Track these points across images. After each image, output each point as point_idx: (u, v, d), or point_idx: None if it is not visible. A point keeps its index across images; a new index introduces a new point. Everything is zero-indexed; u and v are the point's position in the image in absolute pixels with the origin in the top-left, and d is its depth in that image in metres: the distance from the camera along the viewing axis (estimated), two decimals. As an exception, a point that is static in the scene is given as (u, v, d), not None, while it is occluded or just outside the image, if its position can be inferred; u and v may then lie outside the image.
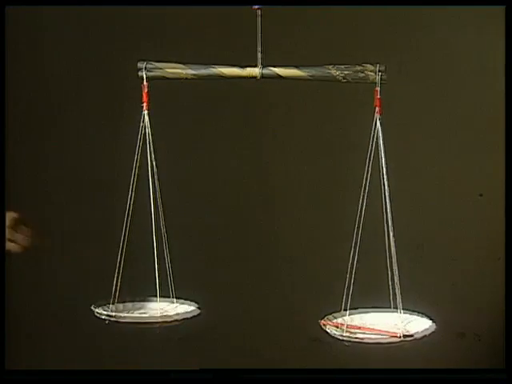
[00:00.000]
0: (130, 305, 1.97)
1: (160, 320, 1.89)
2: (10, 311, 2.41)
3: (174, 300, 1.96)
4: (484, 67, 2.46)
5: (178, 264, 1.94)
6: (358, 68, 1.79)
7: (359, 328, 1.85)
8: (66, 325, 2.46)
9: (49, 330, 2.49)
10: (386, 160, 1.77)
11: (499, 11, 2.36)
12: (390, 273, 1.80)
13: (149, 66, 1.83)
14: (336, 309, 1.85)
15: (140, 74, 1.83)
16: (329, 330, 1.81)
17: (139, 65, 1.83)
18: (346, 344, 1.75)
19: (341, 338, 1.78)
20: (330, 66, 1.80)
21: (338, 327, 1.83)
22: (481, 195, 2.47)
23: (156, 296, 1.95)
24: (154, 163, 1.85)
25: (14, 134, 2.44)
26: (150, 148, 1.86)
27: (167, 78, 1.83)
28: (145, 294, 1.98)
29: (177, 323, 1.88)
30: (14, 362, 2.37)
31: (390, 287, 1.80)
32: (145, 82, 1.83)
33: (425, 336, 1.77)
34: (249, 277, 2.52)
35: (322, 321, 1.85)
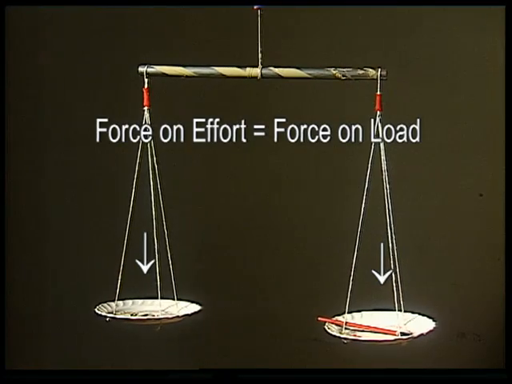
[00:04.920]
0: (130, 302, 1.97)
1: (161, 316, 1.90)
2: (10, 311, 2.42)
3: (175, 298, 1.97)
4: (484, 67, 2.45)
5: (178, 265, 1.94)
6: (360, 72, 1.80)
7: (358, 326, 1.85)
8: (66, 325, 2.46)
9: (49, 330, 2.49)
10: (386, 159, 1.78)
11: (499, 11, 2.37)
12: (393, 274, 1.81)
13: (150, 69, 1.84)
14: (336, 309, 1.85)
15: (141, 69, 1.84)
16: (327, 327, 1.81)
17: (140, 69, 1.84)
18: (344, 341, 1.76)
19: (339, 335, 1.78)
20: (332, 69, 1.81)
21: (337, 324, 1.83)
22: (481, 195, 2.47)
23: (157, 295, 1.95)
24: (155, 160, 1.85)
25: (14, 134, 2.44)
26: (150, 145, 1.86)
27: (167, 75, 1.84)
28: (146, 293, 1.98)
29: (178, 319, 1.88)
30: (14, 362, 2.37)
31: (394, 287, 1.80)
32: (145, 79, 1.84)
33: (422, 334, 1.77)
34: (248, 277, 2.51)
35: (321, 318, 1.85)
